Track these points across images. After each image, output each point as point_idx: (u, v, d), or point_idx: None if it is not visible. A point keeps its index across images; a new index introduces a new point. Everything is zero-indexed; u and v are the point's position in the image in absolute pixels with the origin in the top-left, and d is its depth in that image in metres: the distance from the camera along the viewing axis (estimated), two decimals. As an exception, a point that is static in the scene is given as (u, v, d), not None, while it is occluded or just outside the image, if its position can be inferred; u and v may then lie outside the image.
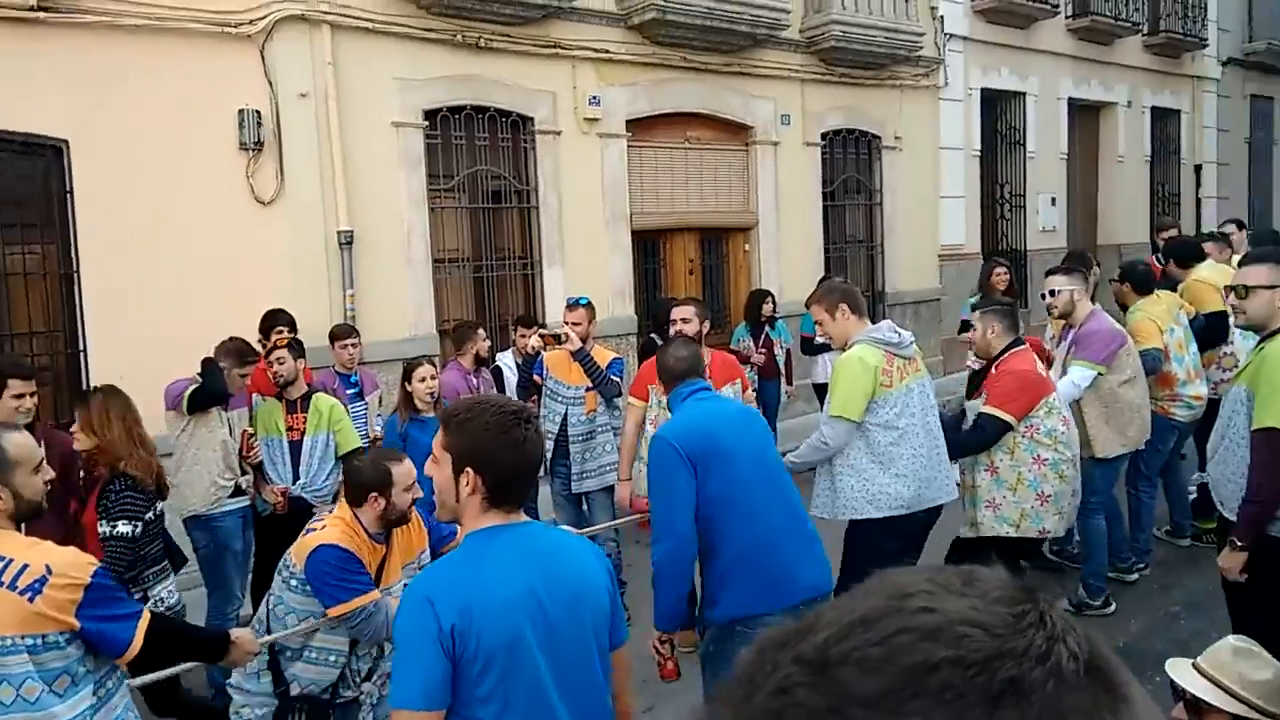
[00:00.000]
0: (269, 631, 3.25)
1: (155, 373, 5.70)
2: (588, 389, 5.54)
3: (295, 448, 5.38)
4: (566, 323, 5.58)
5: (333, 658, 3.29)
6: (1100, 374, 4.96)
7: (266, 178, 7.03)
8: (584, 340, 5.52)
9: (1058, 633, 0.51)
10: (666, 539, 3.19)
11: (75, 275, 6.33)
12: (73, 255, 6.33)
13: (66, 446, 4.42)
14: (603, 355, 5.66)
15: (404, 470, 3.30)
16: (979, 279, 8.22)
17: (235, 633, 2.98)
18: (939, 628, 0.51)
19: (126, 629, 2.44)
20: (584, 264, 8.87)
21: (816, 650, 0.53)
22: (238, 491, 5.11)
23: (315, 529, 3.22)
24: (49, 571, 2.31)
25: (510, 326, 7.63)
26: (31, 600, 2.27)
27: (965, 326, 8.81)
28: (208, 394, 4.90)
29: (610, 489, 5.67)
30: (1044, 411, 4.53)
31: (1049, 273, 5.28)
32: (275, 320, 5.99)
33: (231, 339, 5.26)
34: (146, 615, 2.55)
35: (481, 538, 2.01)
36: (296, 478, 5.33)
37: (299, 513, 5.16)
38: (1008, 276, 7.97)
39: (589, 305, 5.71)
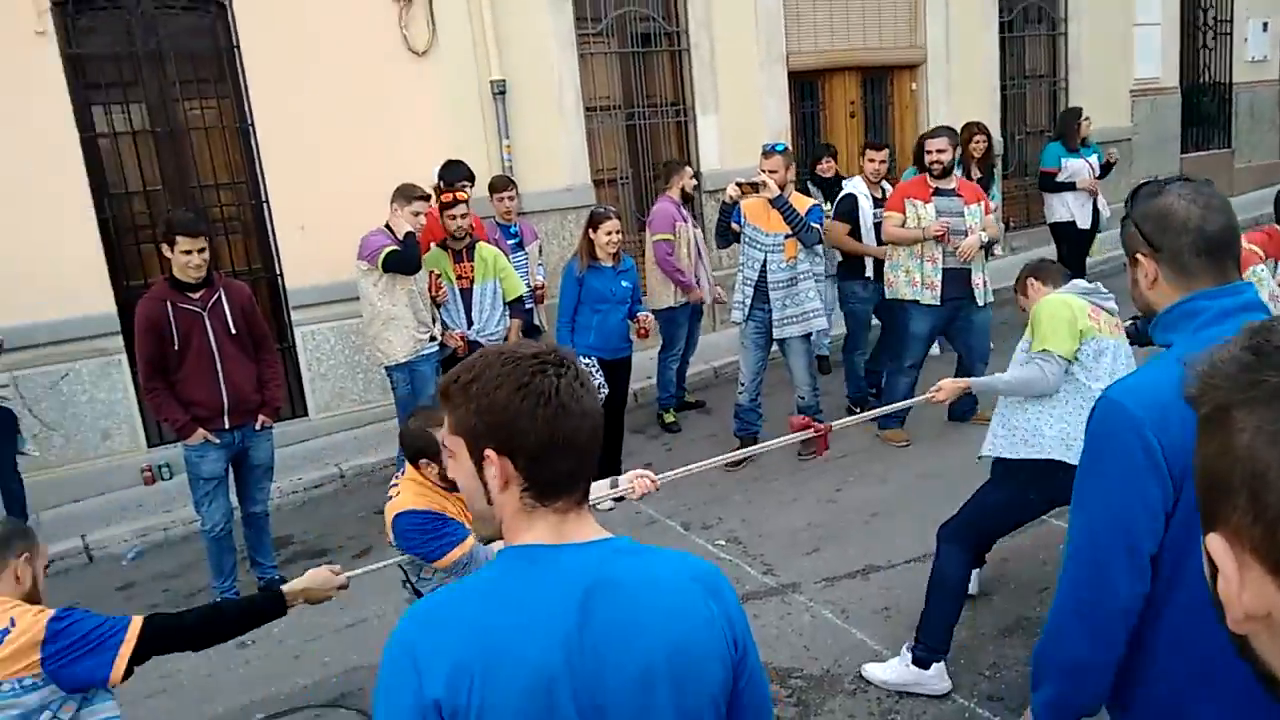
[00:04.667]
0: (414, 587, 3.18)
1: (333, 223, 5.99)
2: (787, 236, 5.60)
3: (466, 295, 5.60)
4: (763, 170, 5.60)
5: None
6: None
7: (419, 27, 7.02)
8: (781, 187, 5.56)
9: None
10: (1079, 575, 1.75)
11: (251, 129, 6.58)
12: (247, 109, 6.56)
13: (245, 296, 4.70)
14: (801, 202, 5.70)
15: None
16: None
17: (293, 586, 2.77)
18: None
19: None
20: (738, 109, 8.57)
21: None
22: (431, 339, 5.44)
23: (390, 496, 3.15)
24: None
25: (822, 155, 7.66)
26: None
27: (1048, 181, 8.16)
28: (402, 260, 5.11)
29: (809, 336, 5.83)
30: None
31: None
32: (458, 173, 6.17)
33: (401, 185, 5.40)
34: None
35: (514, 563, 1.35)
36: (470, 323, 5.55)
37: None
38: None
39: (786, 151, 5.72)
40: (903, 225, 5.87)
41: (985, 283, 5.95)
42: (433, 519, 3.04)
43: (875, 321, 6.80)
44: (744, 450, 4.62)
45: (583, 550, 1.34)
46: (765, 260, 5.68)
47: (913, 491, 5.40)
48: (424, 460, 3.10)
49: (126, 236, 6.39)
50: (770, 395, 6.22)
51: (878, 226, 6.29)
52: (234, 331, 4.56)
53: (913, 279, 5.88)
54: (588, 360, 5.58)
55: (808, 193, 7.30)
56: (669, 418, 6.74)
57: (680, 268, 6.41)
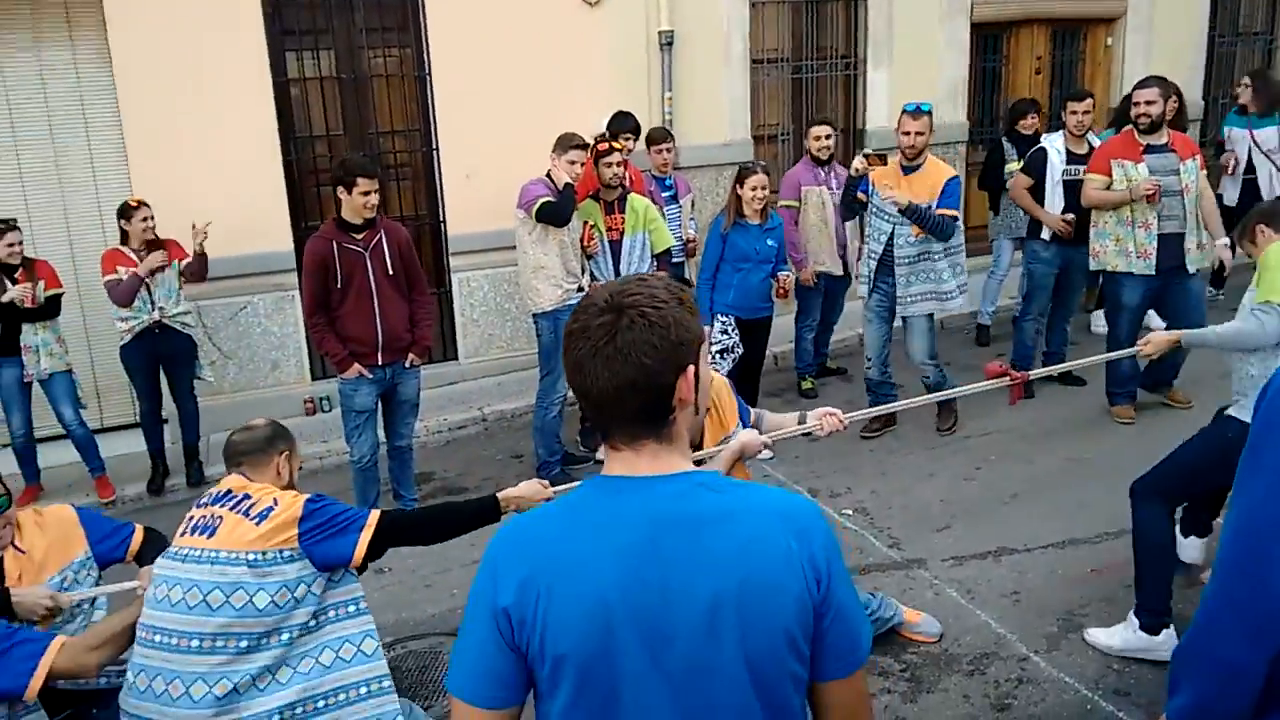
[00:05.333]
0: None
1: (497, 172, 6.16)
2: None
3: (615, 247, 5.65)
4: (908, 131, 5.33)
5: None
6: None
7: (594, -23, 7.07)
8: (920, 151, 5.33)
9: None
10: (1236, 567, 1.57)
11: (428, 77, 6.83)
12: (425, 58, 6.81)
13: (403, 239, 4.93)
14: (938, 171, 5.41)
15: None
16: None
17: (507, 493, 2.95)
18: None
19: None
20: (913, 63, 8.19)
21: None
22: (579, 290, 5.52)
23: None
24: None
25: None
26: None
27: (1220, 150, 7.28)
28: (555, 211, 5.21)
29: (932, 315, 5.56)
30: None
31: None
32: (624, 124, 6.26)
33: (561, 134, 5.49)
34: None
35: (593, 488, 1.42)
36: (618, 274, 5.63)
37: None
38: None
39: (930, 113, 5.42)
40: (1107, 188, 5.46)
41: (1199, 246, 5.45)
42: None
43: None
44: (949, 392, 4.50)
45: (660, 481, 1.37)
46: (892, 233, 5.42)
47: (1058, 475, 5.13)
48: None
49: (307, 179, 6.79)
50: (904, 368, 5.96)
51: (1067, 184, 5.91)
52: (391, 272, 4.80)
53: (1124, 247, 5.48)
54: (724, 319, 5.54)
55: (1001, 150, 6.97)
56: (806, 384, 6.65)
57: (794, 240, 6.20)
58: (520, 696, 1.39)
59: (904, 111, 5.38)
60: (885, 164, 5.31)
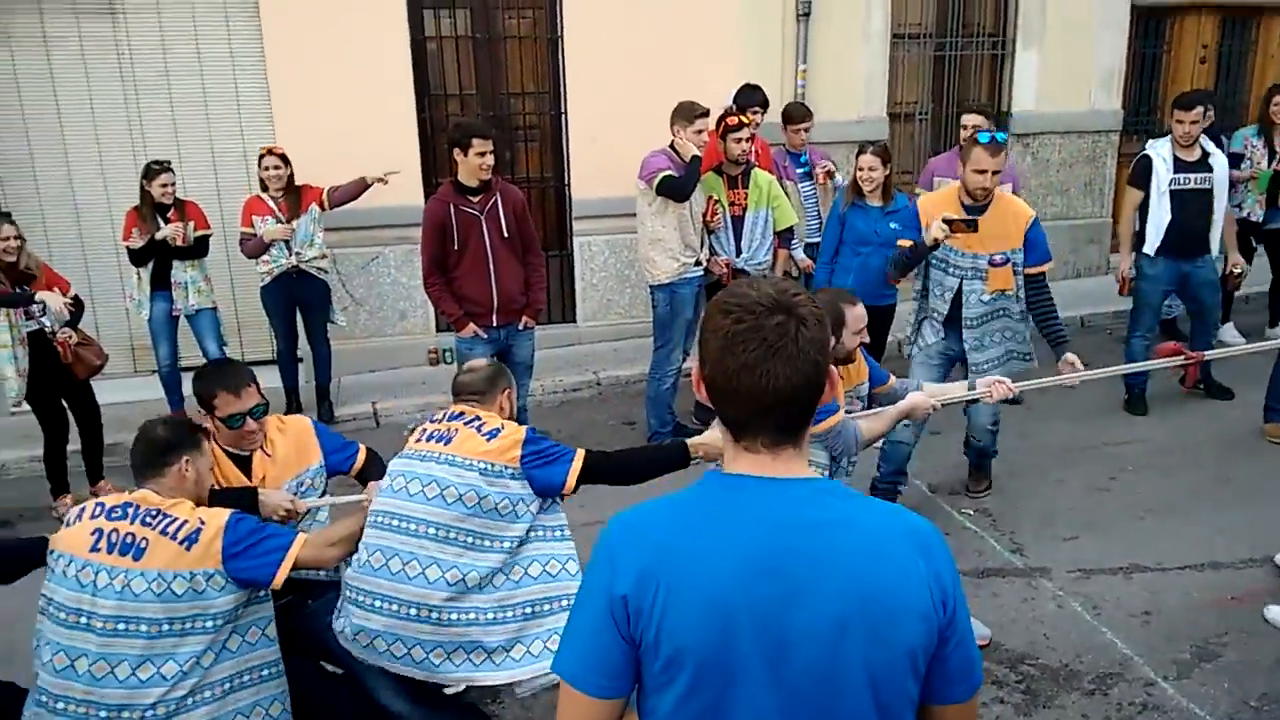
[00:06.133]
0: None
1: (622, 138, 6.11)
2: (993, 262, 4.31)
3: (737, 222, 5.53)
4: (984, 169, 4.16)
5: None
6: None
7: (730, -58, 6.92)
8: (991, 191, 4.26)
9: None
10: None
11: (560, 40, 6.82)
12: (558, 20, 6.80)
13: (519, 201, 4.94)
14: (1013, 213, 4.32)
15: (857, 314, 3.37)
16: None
17: (695, 440, 3.04)
18: None
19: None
20: (1066, 45, 7.79)
21: None
22: (696, 264, 5.46)
23: None
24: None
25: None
26: None
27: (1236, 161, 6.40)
28: (676, 187, 5.14)
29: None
30: None
31: None
32: (753, 98, 6.04)
33: (680, 104, 5.39)
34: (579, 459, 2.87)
35: (717, 485, 1.38)
36: (739, 251, 5.51)
37: (742, 283, 5.36)
38: None
39: (1006, 143, 4.39)
40: None
41: None
42: None
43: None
44: (1127, 367, 4.21)
45: (789, 485, 1.33)
46: (959, 289, 4.39)
47: (1200, 493, 4.83)
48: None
49: (439, 136, 6.86)
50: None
51: (1175, 194, 5.49)
52: (506, 235, 4.84)
53: None
54: None
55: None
56: None
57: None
58: (628, 687, 1.36)
59: (979, 144, 4.18)
60: (975, 231, 4.18)
